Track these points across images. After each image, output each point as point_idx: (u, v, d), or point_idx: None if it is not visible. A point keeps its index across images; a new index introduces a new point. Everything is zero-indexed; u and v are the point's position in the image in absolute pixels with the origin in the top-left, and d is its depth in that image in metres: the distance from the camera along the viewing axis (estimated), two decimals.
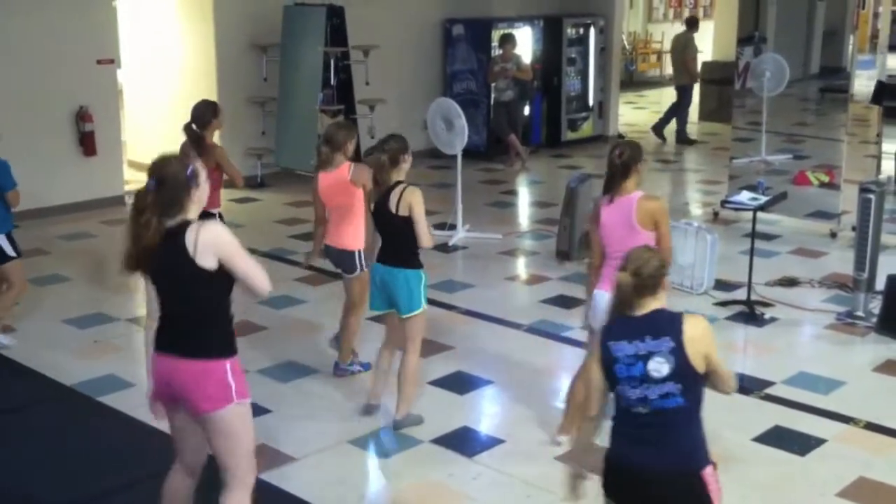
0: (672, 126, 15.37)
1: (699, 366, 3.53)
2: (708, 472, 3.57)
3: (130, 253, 3.92)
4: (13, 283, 6.97)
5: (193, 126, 6.88)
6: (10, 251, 6.86)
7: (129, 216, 3.95)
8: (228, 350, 3.99)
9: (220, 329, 4.00)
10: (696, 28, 15.50)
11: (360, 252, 6.28)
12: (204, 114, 6.91)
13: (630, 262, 3.63)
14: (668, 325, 3.55)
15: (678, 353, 3.50)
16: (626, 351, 3.59)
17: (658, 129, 15.34)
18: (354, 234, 6.26)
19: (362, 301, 6.29)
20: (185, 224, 3.88)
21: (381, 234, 5.76)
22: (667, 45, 23.01)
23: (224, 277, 3.89)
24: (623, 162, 5.11)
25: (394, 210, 5.54)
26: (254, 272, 3.91)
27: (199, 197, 3.97)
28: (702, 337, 3.55)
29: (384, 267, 5.69)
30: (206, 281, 3.86)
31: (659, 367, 3.51)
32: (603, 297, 5.17)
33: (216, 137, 7.12)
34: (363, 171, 6.15)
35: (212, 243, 3.83)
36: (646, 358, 3.54)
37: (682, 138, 15.00)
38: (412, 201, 5.51)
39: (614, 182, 5.16)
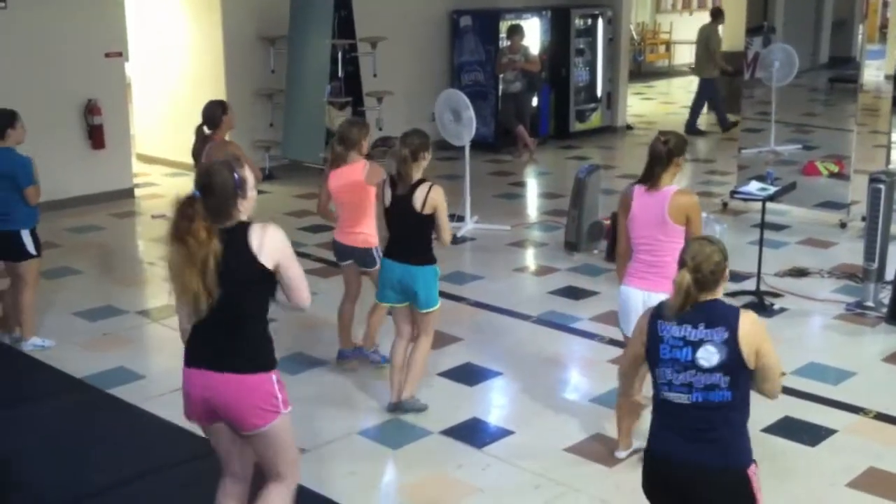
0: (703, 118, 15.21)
1: (751, 361, 3.47)
2: (752, 469, 3.52)
3: (185, 271, 3.71)
4: (27, 282, 6.75)
5: (205, 128, 6.91)
6: (31, 248, 6.70)
7: (169, 232, 3.77)
8: (273, 361, 3.91)
9: (264, 339, 3.91)
10: (721, 19, 15.32)
11: (376, 248, 6.24)
12: (214, 113, 6.93)
13: (690, 258, 3.52)
14: (723, 316, 3.49)
15: (731, 345, 3.44)
16: (673, 332, 3.52)
17: (692, 127, 15.09)
18: (370, 230, 6.23)
19: None
20: (244, 224, 3.81)
21: (395, 230, 5.69)
22: (675, 36, 23.03)
23: (272, 283, 3.85)
24: (668, 150, 4.98)
25: (419, 208, 5.52)
26: (302, 283, 3.89)
27: (247, 207, 3.86)
28: (757, 332, 3.49)
29: (401, 265, 5.64)
30: (260, 282, 3.79)
31: (709, 356, 3.45)
32: (629, 293, 5.13)
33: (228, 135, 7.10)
34: (378, 170, 6.15)
35: (277, 247, 3.79)
36: (696, 345, 3.47)
37: (693, 130, 14.89)
38: (438, 201, 5.54)
39: (653, 171, 5.03)
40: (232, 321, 3.83)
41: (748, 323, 3.48)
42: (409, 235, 5.63)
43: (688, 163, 13.07)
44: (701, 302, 3.52)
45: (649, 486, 3.70)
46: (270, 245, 3.77)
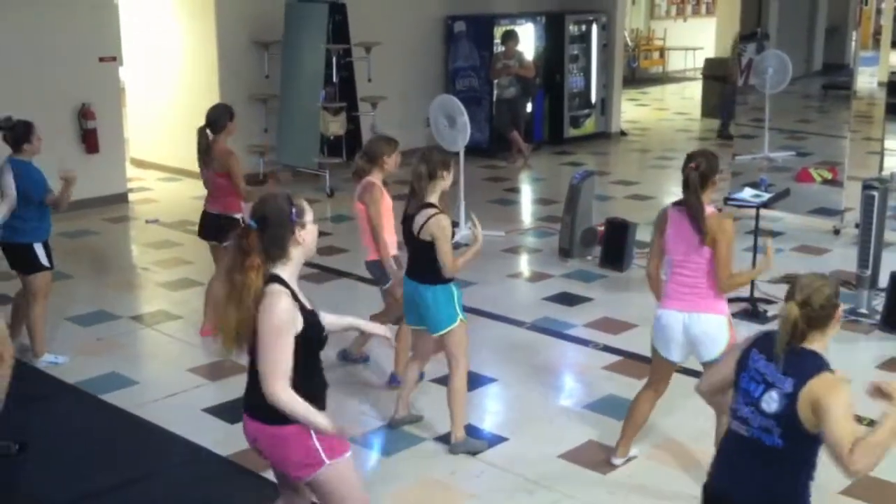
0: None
1: (807, 420, 3.27)
2: None
3: (234, 311, 3.53)
4: (38, 294, 6.62)
5: (207, 130, 6.90)
6: (44, 260, 6.59)
7: (225, 269, 3.62)
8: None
9: (298, 392, 3.59)
10: None
11: (384, 261, 6.17)
12: (220, 117, 6.92)
13: (799, 291, 3.35)
14: (802, 368, 3.31)
15: (790, 400, 3.29)
16: (759, 366, 3.41)
17: (724, 130, 14.84)
18: (373, 244, 6.15)
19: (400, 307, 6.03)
20: (273, 279, 3.59)
21: (407, 247, 5.55)
22: (668, 42, 23.06)
23: (297, 344, 3.57)
24: (701, 174, 4.87)
25: (416, 233, 5.37)
26: (270, 369, 3.52)
27: (305, 239, 3.64)
28: (820, 393, 3.23)
29: (412, 282, 5.51)
30: None
31: (770, 402, 3.34)
32: (668, 316, 5.04)
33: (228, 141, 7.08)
34: (366, 190, 6.06)
35: (261, 318, 3.53)
36: (768, 386, 3.36)
37: (726, 135, 14.57)
38: (435, 232, 5.26)
39: (690, 195, 4.89)
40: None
41: (819, 382, 3.26)
42: (417, 254, 5.45)
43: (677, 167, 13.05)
44: (799, 347, 3.36)
45: None
46: (260, 312, 3.55)
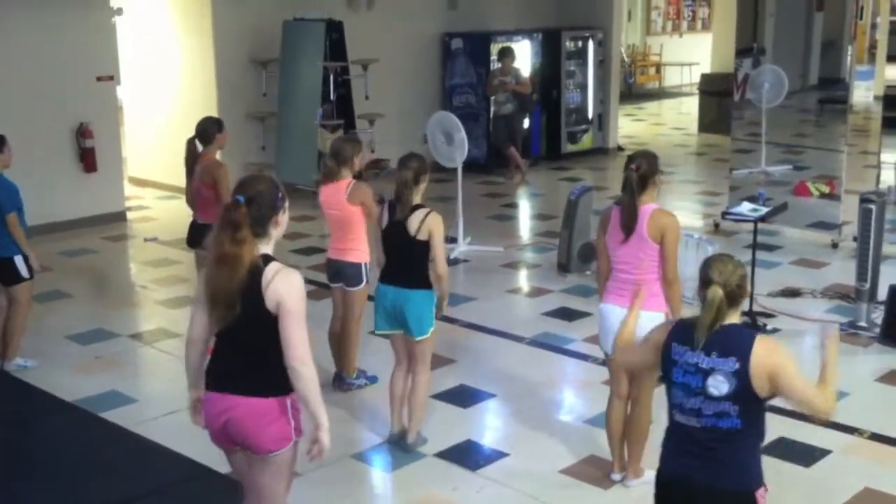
0: None
1: (761, 389, 3.41)
2: (760, 492, 3.49)
3: (221, 281, 3.65)
4: (20, 304, 6.82)
5: (196, 141, 6.94)
6: (24, 272, 6.76)
7: (213, 238, 3.68)
8: (288, 385, 3.76)
9: (281, 366, 3.72)
10: None
11: (365, 265, 6.28)
12: (207, 130, 6.95)
13: (717, 273, 3.49)
14: (738, 345, 3.43)
15: (741, 376, 3.39)
16: (686, 358, 3.50)
17: None
18: (358, 246, 6.24)
19: (363, 313, 6.31)
20: (266, 258, 3.74)
21: (390, 254, 5.63)
22: (665, 58, 23.13)
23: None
24: (640, 175, 4.96)
25: (413, 233, 5.44)
26: (298, 343, 3.65)
27: (281, 223, 3.83)
28: (770, 358, 3.40)
29: (395, 288, 5.56)
30: (267, 320, 3.68)
31: (718, 385, 3.41)
32: (608, 310, 5.15)
33: (218, 154, 7.12)
34: (363, 190, 6.16)
35: (280, 290, 3.66)
36: (707, 373, 3.44)
37: None
38: (433, 228, 5.44)
39: (625, 195, 5.01)
40: (251, 349, 3.77)
41: (761, 350, 3.41)
42: (404, 260, 5.55)
43: (675, 181, 13.14)
44: (723, 326, 3.47)
45: None
46: (276, 285, 3.66)
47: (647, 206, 5.01)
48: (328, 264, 6.46)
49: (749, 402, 3.41)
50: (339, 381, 6.56)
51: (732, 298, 3.49)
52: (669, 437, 3.67)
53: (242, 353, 3.80)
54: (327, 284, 6.70)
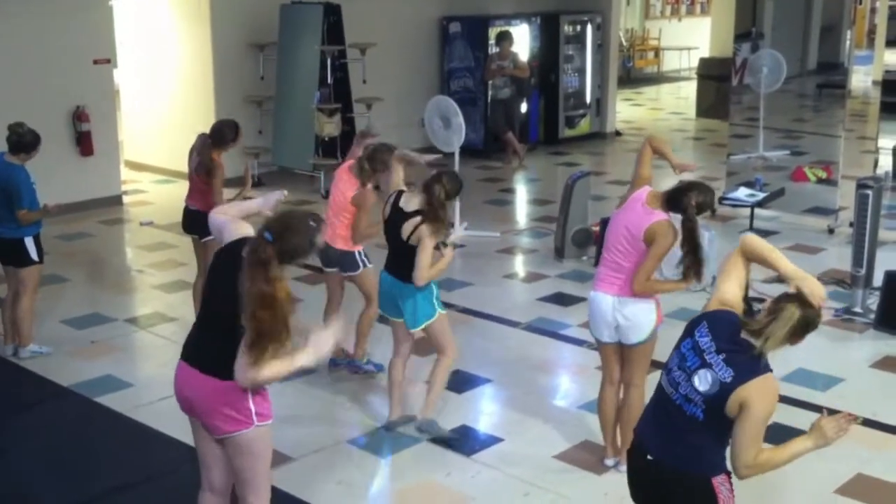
0: None
1: (731, 412, 3.34)
2: (718, 479, 3.49)
3: (266, 322, 3.58)
4: (27, 287, 6.75)
5: (209, 141, 6.90)
6: (34, 254, 6.72)
7: (246, 272, 3.62)
8: None
9: None
10: None
11: (359, 252, 6.29)
12: (224, 135, 6.92)
13: (798, 295, 3.45)
14: (745, 366, 3.34)
15: (724, 390, 3.33)
16: (702, 339, 3.46)
17: None
18: (349, 233, 6.25)
19: (375, 295, 6.15)
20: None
21: (390, 243, 5.63)
22: (663, 42, 23.07)
23: None
24: (698, 205, 4.78)
25: (404, 237, 5.44)
26: (246, 350, 3.64)
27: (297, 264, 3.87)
28: (753, 397, 3.30)
29: (391, 277, 5.60)
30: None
31: (703, 380, 3.39)
32: (597, 298, 5.12)
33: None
34: (366, 198, 6.14)
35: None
36: (704, 364, 3.41)
37: None
38: (422, 237, 5.35)
39: (663, 197, 4.93)
40: (220, 328, 3.81)
41: (757, 385, 3.32)
42: (401, 253, 5.52)
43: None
44: (747, 338, 3.39)
45: (629, 466, 3.78)
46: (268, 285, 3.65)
47: (659, 213, 4.90)
48: (325, 251, 6.29)
49: (716, 412, 3.38)
50: (351, 364, 6.53)
51: (794, 331, 3.40)
52: (652, 399, 3.69)
53: (212, 330, 3.86)
54: (321, 269, 6.68)
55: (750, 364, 3.36)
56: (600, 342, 5.25)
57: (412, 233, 5.40)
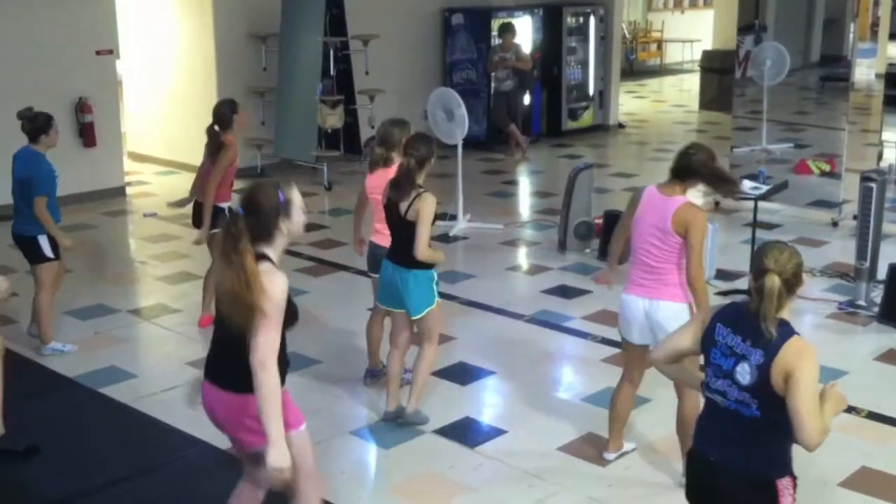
0: None
1: (780, 388, 3.31)
2: (783, 482, 3.44)
3: (227, 282, 3.65)
4: (43, 284, 6.70)
5: (216, 127, 6.90)
6: (47, 252, 6.68)
7: (219, 251, 3.77)
8: None
9: None
10: None
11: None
12: (223, 113, 6.92)
13: (772, 262, 3.41)
14: (770, 341, 3.34)
15: (763, 370, 3.33)
16: (727, 340, 3.45)
17: None
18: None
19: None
20: (263, 258, 3.73)
21: (391, 231, 5.63)
22: (666, 34, 23.03)
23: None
24: (695, 161, 4.84)
25: (403, 213, 5.43)
26: (262, 348, 3.64)
27: (290, 230, 3.83)
28: (793, 360, 3.30)
29: (394, 266, 5.57)
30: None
31: (743, 374, 3.38)
32: (629, 301, 5.04)
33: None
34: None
35: (265, 295, 3.66)
36: (739, 358, 3.40)
37: None
38: (420, 208, 5.36)
39: (671, 176, 4.90)
40: (230, 343, 3.74)
41: (790, 349, 3.32)
42: (402, 238, 5.52)
43: (657, 158, 13.03)
44: (758, 323, 3.38)
45: (689, 487, 3.72)
46: (262, 289, 3.66)
47: (677, 199, 4.85)
48: (372, 250, 6.15)
49: (768, 398, 3.35)
50: (371, 375, 6.39)
51: (788, 287, 3.41)
52: (703, 417, 3.65)
53: (224, 346, 3.84)
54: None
55: (774, 338, 3.35)
56: (630, 343, 5.14)
57: (408, 208, 5.41)
